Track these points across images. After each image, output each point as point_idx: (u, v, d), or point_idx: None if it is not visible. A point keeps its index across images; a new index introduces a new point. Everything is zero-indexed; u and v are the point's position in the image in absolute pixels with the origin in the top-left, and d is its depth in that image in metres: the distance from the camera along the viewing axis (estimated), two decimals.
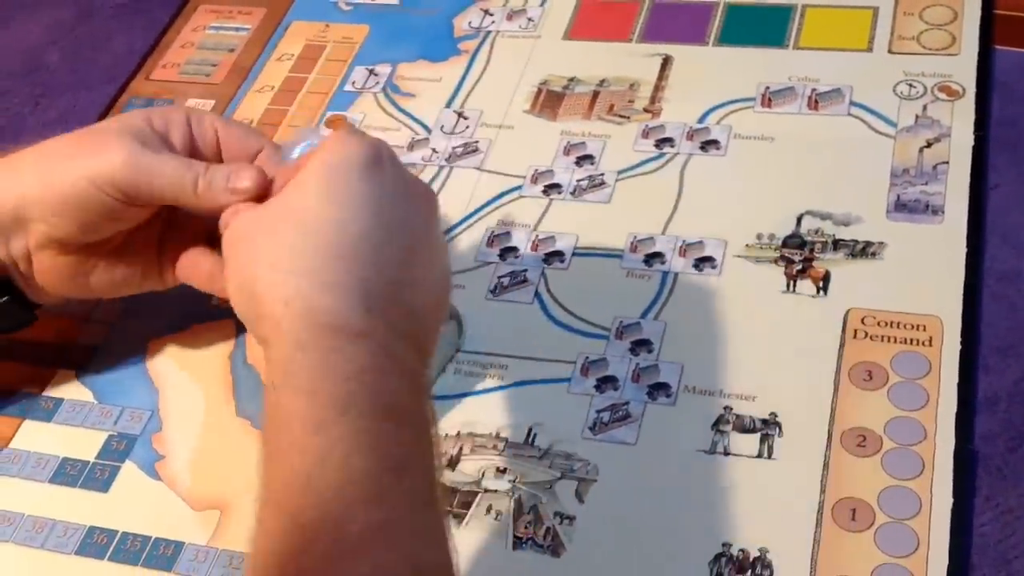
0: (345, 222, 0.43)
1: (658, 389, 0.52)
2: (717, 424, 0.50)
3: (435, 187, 0.63)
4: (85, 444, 0.55)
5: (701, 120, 0.63)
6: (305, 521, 0.37)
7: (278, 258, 0.43)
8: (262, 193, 0.50)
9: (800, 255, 0.55)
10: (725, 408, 0.50)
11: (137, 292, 0.55)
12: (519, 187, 0.62)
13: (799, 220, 0.57)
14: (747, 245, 0.57)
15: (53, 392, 0.57)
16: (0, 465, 0.55)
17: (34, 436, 0.56)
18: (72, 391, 0.57)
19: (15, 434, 0.56)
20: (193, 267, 0.54)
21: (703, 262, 0.56)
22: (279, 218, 0.45)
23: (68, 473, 0.54)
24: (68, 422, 0.56)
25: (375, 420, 0.39)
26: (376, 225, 0.43)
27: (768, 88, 0.64)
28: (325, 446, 0.38)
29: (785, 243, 0.56)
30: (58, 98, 0.74)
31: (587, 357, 0.53)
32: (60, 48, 0.78)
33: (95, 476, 0.53)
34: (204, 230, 0.53)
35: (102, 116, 0.71)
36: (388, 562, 0.36)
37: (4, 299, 0.53)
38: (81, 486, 0.53)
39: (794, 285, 0.54)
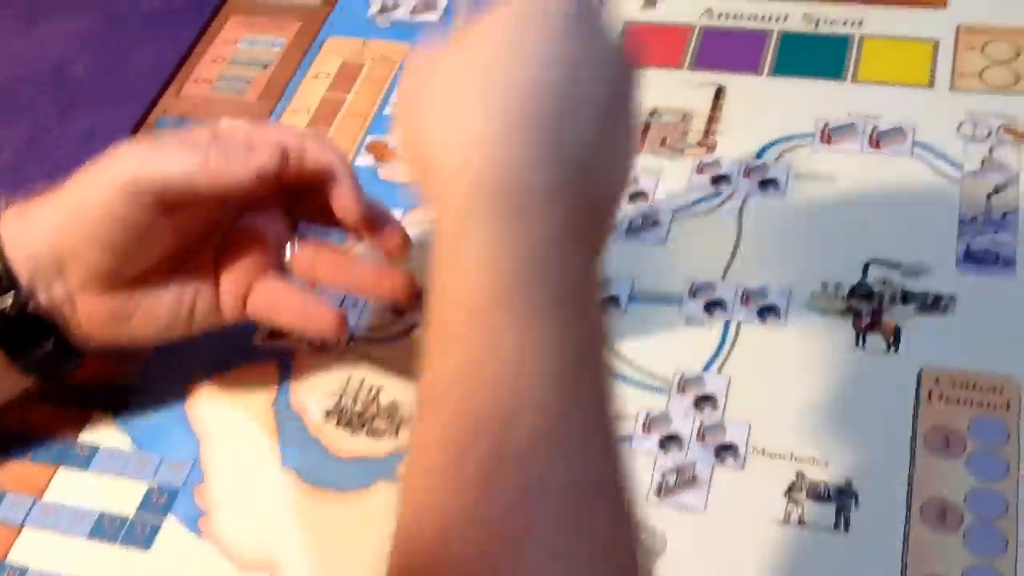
0: (539, 80, 0.38)
1: (726, 450, 0.50)
2: (790, 491, 0.48)
3: None
4: (124, 497, 0.53)
5: (758, 156, 0.61)
6: (470, 411, 0.33)
7: (458, 113, 0.39)
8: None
9: (869, 307, 0.53)
10: (797, 474, 0.48)
11: (191, 332, 0.53)
12: None
13: (866, 269, 0.55)
14: (813, 294, 0.55)
15: (89, 437, 0.55)
16: (36, 518, 0.53)
17: (70, 486, 0.53)
18: (109, 437, 0.55)
19: (49, 483, 0.54)
20: (272, 303, 0.51)
21: (767, 311, 0.54)
22: (463, 67, 0.40)
23: (107, 529, 0.52)
24: (106, 471, 0.54)
25: (555, 305, 0.35)
26: (573, 83, 0.39)
27: (827, 124, 0.62)
28: (500, 327, 0.34)
29: (852, 293, 0.54)
30: (85, 111, 0.72)
31: (648, 412, 0.52)
32: (86, 58, 0.75)
33: (135, 532, 0.51)
34: (265, 257, 0.51)
35: (134, 131, 0.69)
36: (557, 473, 0.33)
37: (48, 344, 0.50)
38: (122, 543, 0.51)
39: (864, 340, 0.52)
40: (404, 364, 0.54)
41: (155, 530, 0.51)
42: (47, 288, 0.49)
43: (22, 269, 0.49)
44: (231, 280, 0.52)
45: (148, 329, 0.52)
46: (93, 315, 0.50)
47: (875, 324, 0.53)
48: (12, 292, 0.48)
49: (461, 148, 0.38)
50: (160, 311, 0.52)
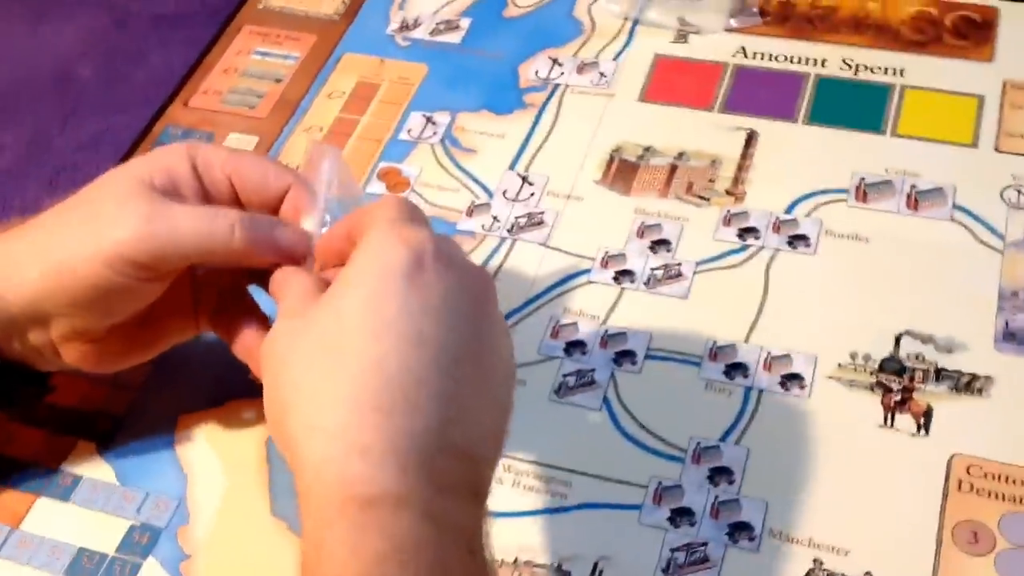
0: (383, 357, 0.38)
1: (740, 529, 0.47)
2: None
3: (495, 262, 0.58)
4: (105, 533, 0.50)
5: (789, 210, 0.58)
6: None
7: (311, 401, 0.38)
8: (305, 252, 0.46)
9: (899, 383, 0.51)
10: (815, 561, 0.46)
11: (184, 339, 0.51)
12: (588, 271, 0.57)
13: (897, 340, 0.52)
14: (840, 365, 0.52)
15: (72, 467, 0.52)
16: (10, 549, 0.50)
17: (49, 517, 0.51)
18: (92, 468, 0.52)
19: (28, 512, 0.51)
20: (246, 345, 0.49)
21: (790, 380, 0.52)
22: (318, 344, 0.39)
23: (85, 566, 0.49)
24: (87, 504, 0.51)
25: None
26: (418, 353, 0.38)
27: (863, 179, 0.59)
28: None
29: (882, 367, 0.51)
30: (89, 118, 0.69)
31: (660, 482, 0.49)
32: (93, 60, 0.72)
33: (114, 572, 0.49)
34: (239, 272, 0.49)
35: (136, 144, 0.66)
36: None
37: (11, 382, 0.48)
38: None
39: (892, 419, 0.50)
40: None
41: (135, 570, 0.49)
42: (22, 336, 0.47)
43: None
44: (207, 299, 0.50)
45: (137, 356, 0.50)
46: (80, 356, 0.48)
47: (905, 402, 0.50)
48: None
49: (314, 449, 0.38)
50: (149, 342, 0.50)
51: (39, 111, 0.70)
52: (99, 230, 0.44)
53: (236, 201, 0.47)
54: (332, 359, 0.39)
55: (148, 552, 0.49)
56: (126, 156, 0.66)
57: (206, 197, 0.47)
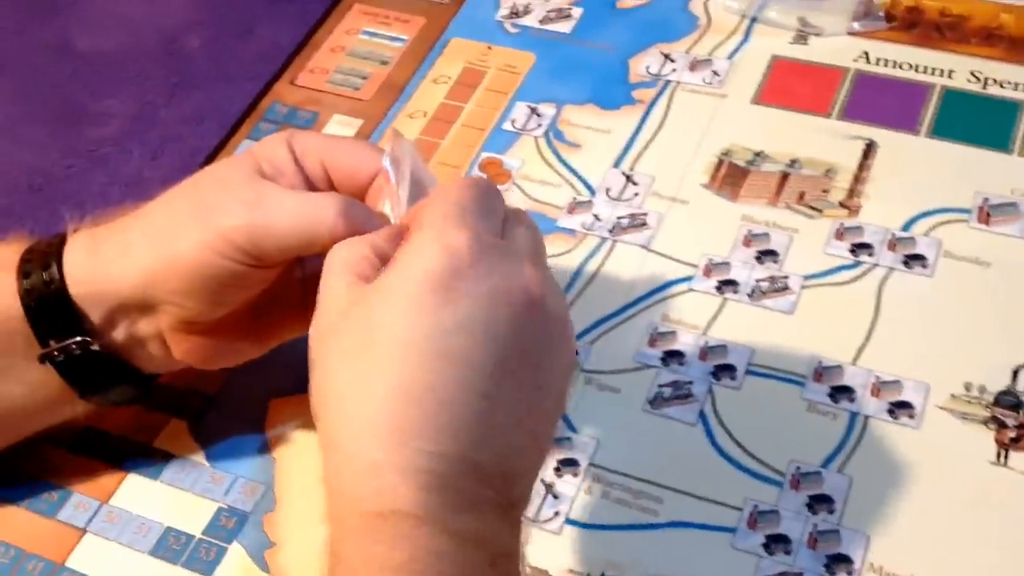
0: (408, 377, 0.36)
1: (838, 562, 0.45)
2: None
3: (594, 263, 0.57)
4: (192, 514, 0.50)
5: (906, 227, 0.56)
6: None
7: (336, 411, 0.38)
8: None
9: (1015, 419, 0.48)
10: None
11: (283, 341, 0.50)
12: (689, 278, 0.56)
13: (1016, 374, 0.50)
14: (953, 395, 0.49)
15: (163, 444, 0.53)
16: (99, 523, 0.50)
17: (138, 494, 0.51)
18: (183, 446, 0.53)
19: (118, 488, 0.52)
20: None
21: (899, 408, 0.49)
22: (348, 351, 0.38)
23: (171, 547, 0.49)
24: (176, 483, 0.51)
25: None
26: (445, 372, 0.36)
27: (987, 200, 0.56)
28: None
29: (998, 401, 0.49)
30: (195, 90, 0.69)
31: (756, 505, 0.47)
32: (201, 32, 0.72)
33: (199, 555, 0.49)
34: None
35: (242, 119, 0.66)
36: None
37: (117, 380, 0.48)
38: (184, 565, 0.49)
39: (1006, 456, 0.47)
40: None
41: (220, 554, 0.49)
42: (131, 325, 0.47)
43: (93, 306, 0.46)
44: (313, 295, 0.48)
45: (248, 352, 0.50)
46: (189, 349, 0.48)
47: (1020, 440, 0.48)
48: (80, 337, 0.46)
49: (337, 457, 0.37)
50: (261, 334, 0.49)
51: (146, 81, 0.70)
52: (207, 217, 0.44)
53: (331, 186, 0.47)
54: (359, 371, 0.37)
55: (234, 537, 0.49)
56: (232, 131, 0.66)
57: (308, 183, 0.46)
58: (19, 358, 0.46)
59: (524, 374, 0.38)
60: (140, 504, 0.51)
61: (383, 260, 0.40)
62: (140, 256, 0.45)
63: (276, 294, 0.48)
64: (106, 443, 0.53)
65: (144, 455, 0.52)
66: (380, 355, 0.37)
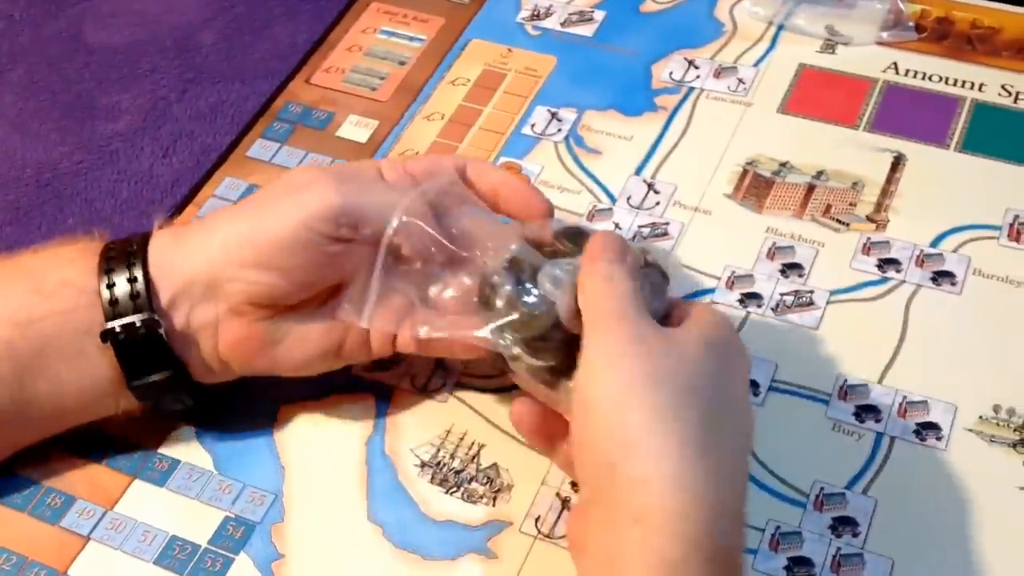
0: (726, 433, 0.41)
1: None
2: None
3: None
4: (198, 522, 0.49)
5: (935, 243, 0.55)
6: None
7: (670, 451, 0.39)
8: None
9: None
10: None
11: (336, 366, 0.50)
12: (712, 290, 0.54)
13: None
14: (981, 417, 0.48)
15: (169, 450, 0.51)
16: (103, 531, 0.49)
17: (143, 501, 0.50)
18: (190, 452, 0.51)
19: (123, 495, 0.50)
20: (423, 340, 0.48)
21: (926, 429, 0.48)
22: (663, 398, 0.40)
23: (176, 556, 0.48)
24: (183, 491, 0.50)
25: None
26: (738, 435, 0.42)
27: (1018, 217, 0.55)
28: None
29: None
30: (209, 87, 0.68)
31: (778, 527, 0.46)
32: (216, 28, 0.71)
33: (205, 566, 0.48)
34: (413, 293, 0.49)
35: (256, 117, 0.65)
36: None
37: (165, 373, 0.47)
38: (190, 575, 0.48)
39: None
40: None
41: (227, 565, 0.48)
42: (191, 310, 0.47)
43: (165, 288, 0.47)
44: (382, 318, 0.48)
45: (292, 359, 0.49)
46: (237, 340, 0.48)
47: None
48: (145, 313, 0.46)
49: (671, 492, 0.38)
50: (309, 342, 0.48)
51: (159, 76, 0.69)
52: (293, 197, 0.46)
53: None
54: (677, 420, 0.39)
55: (241, 547, 0.48)
56: (245, 130, 0.64)
57: None
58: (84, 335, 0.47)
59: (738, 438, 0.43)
60: (145, 512, 0.50)
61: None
62: (220, 230, 0.47)
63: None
64: (112, 448, 0.52)
65: (150, 461, 0.51)
66: (704, 412, 0.40)
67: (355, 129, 0.64)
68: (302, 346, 0.48)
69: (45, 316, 0.47)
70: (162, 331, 0.46)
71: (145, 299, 0.46)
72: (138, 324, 0.46)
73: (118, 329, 0.46)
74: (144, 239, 0.48)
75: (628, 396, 0.39)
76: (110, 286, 0.47)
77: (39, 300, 0.47)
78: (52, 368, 0.47)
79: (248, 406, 0.53)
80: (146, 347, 0.47)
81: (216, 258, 0.47)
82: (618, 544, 0.38)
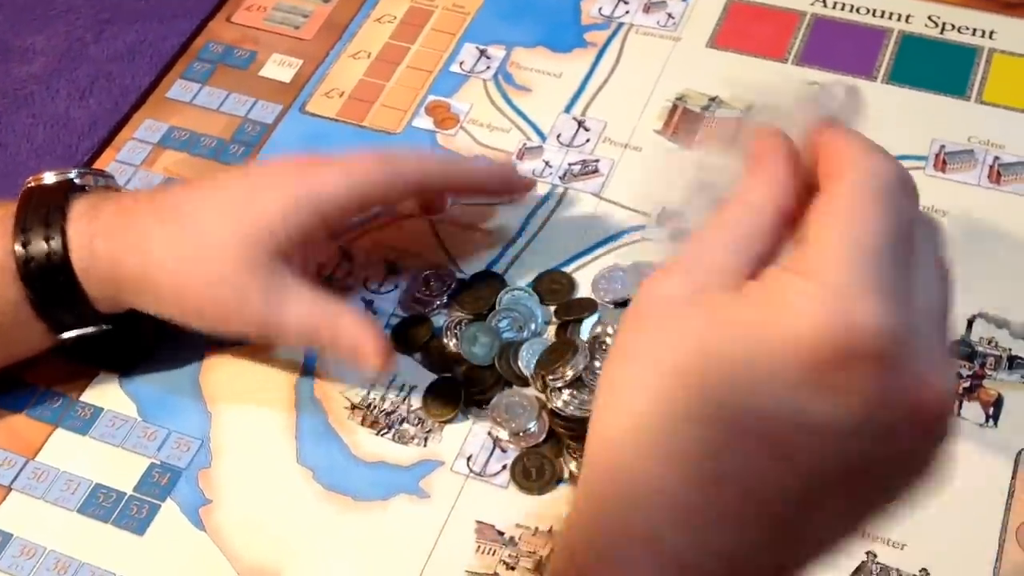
0: (715, 462, 0.28)
1: None
2: (859, 573, 0.43)
3: (546, 210, 0.55)
4: (123, 470, 0.48)
5: None
6: None
7: (602, 470, 0.30)
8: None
9: (968, 369, 0.48)
10: (868, 554, 0.43)
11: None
12: (642, 227, 0.54)
13: (970, 323, 0.49)
14: None
15: (92, 398, 0.50)
16: (25, 481, 0.48)
17: (66, 449, 0.49)
18: (113, 400, 0.50)
19: (45, 443, 0.49)
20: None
21: None
22: (694, 412, 0.28)
23: (101, 504, 0.47)
24: (106, 438, 0.49)
25: None
26: (766, 474, 0.28)
27: (943, 147, 0.55)
28: None
29: (951, 351, 0.48)
30: (126, 27, 0.65)
31: None
32: None
33: (130, 513, 0.47)
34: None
35: (176, 57, 0.63)
36: None
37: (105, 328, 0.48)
38: (114, 523, 0.47)
39: (959, 407, 0.47)
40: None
41: (153, 512, 0.47)
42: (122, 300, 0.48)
43: (99, 295, 0.47)
44: None
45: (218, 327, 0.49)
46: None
47: (974, 390, 0.47)
48: (96, 326, 0.48)
49: (652, 512, 0.29)
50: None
51: (74, 16, 0.66)
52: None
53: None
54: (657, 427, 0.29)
55: (167, 494, 0.47)
56: (165, 70, 0.62)
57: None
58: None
59: (849, 502, 0.29)
60: (68, 461, 0.49)
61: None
62: (146, 298, 0.47)
63: None
64: (31, 396, 0.50)
65: (72, 409, 0.50)
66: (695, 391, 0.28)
67: (278, 68, 0.62)
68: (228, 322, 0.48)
69: None
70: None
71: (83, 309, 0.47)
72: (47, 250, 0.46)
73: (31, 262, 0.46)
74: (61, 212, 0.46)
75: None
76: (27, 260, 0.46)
77: None
78: None
79: (173, 352, 0.52)
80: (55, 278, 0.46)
81: (149, 298, 0.47)
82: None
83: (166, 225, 0.46)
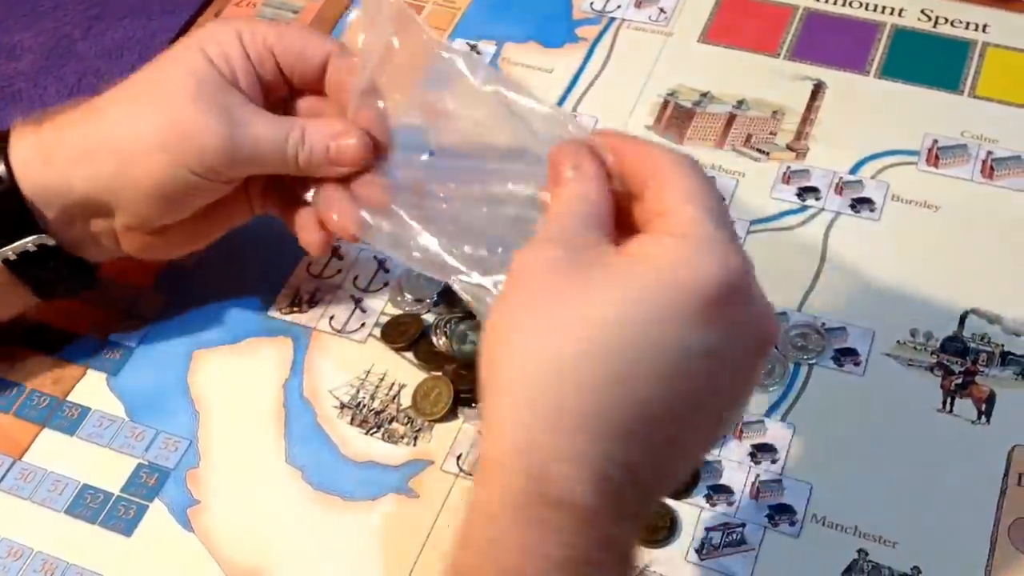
0: (634, 387, 0.32)
1: (781, 512, 0.44)
2: (850, 571, 0.42)
3: None
4: (111, 470, 0.48)
5: (854, 170, 0.54)
6: None
7: (528, 392, 0.33)
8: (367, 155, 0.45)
9: (961, 365, 0.47)
10: (859, 552, 0.43)
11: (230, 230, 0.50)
12: None
13: (963, 319, 0.49)
14: (899, 342, 0.48)
15: (79, 398, 0.50)
16: (12, 482, 0.48)
17: (53, 450, 0.49)
18: (101, 400, 0.50)
19: (32, 443, 0.49)
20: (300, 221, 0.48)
21: (844, 355, 0.48)
22: (570, 334, 0.33)
23: (88, 504, 0.47)
24: (93, 439, 0.49)
25: None
26: (666, 394, 0.33)
27: (936, 142, 0.55)
28: None
29: (944, 347, 0.48)
30: (114, 23, 0.65)
31: None
32: None
33: (118, 514, 0.47)
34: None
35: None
36: None
37: (60, 267, 0.47)
38: (101, 524, 0.46)
39: (952, 403, 0.46)
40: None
41: (141, 513, 0.47)
42: (83, 223, 0.46)
43: (48, 207, 0.45)
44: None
45: (189, 247, 0.50)
46: (136, 246, 0.48)
47: (967, 386, 0.47)
48: (36, 236, 0.45)
49: (517, 434, 0.33)
50: (207, 229, 0.49)
51: (63, 12, 0.66)
52: (180, 140, 0.44)
53: (280, 75, 0.47)
54: (571, 363, 0.33)
55: (155, 494, 0.47)
56: None
57: (256, 75, 0.47)
58: None
59: (719, 413, 0.35)
60: (55, 461, 0.48)
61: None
62: (103, 165, 0.45)
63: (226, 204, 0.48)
64: (17, 395, 0.50)
65: (60, 409, 0.50)
66: (608, 358, 0.33)
67: None
68: (201, 232, 0.49)
69: None
70: (52, 244, 0.46)
71: (27, 222, 0.45)
72: (33, 248, 0.45)
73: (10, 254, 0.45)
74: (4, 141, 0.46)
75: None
76: None
77: None
78: None
79: (160, 352, 0.51)
80: (42, 258, 0.46)
81: (103, 189, 0.45)
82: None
83: (115, 90, 0.46)
